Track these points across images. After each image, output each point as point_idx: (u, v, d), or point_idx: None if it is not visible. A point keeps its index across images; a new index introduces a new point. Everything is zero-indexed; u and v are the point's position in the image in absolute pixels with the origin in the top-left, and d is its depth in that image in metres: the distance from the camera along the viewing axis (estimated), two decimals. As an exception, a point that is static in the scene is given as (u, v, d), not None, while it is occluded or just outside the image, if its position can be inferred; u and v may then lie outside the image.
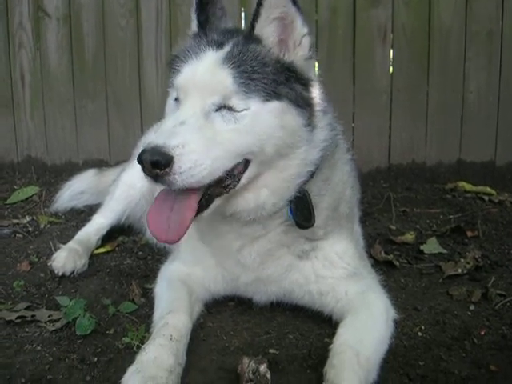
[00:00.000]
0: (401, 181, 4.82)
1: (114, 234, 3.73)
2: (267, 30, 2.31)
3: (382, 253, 3.36)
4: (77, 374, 2.32)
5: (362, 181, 3.18)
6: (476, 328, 2.65)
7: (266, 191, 2.35)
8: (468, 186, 4.62)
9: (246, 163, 2.28)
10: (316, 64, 4.77)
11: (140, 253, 3.55)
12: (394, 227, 3.88)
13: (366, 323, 2.41)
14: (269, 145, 2.25)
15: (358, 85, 4.90)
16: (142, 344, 2.35)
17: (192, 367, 2.32)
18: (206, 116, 2.20)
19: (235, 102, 2.19)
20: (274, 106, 2.24)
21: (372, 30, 4.86)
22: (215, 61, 2.25)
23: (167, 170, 2.05)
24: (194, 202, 2.19)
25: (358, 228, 2.98)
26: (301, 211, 2.41)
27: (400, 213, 4.16)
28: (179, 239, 2.19)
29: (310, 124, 2.34)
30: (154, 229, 2.19)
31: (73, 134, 5.20)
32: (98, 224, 3.64)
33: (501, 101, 4.84)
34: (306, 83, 2.35)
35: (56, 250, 3.38)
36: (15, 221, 4.09)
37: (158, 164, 2.04)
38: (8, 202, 4.53)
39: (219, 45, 2.31)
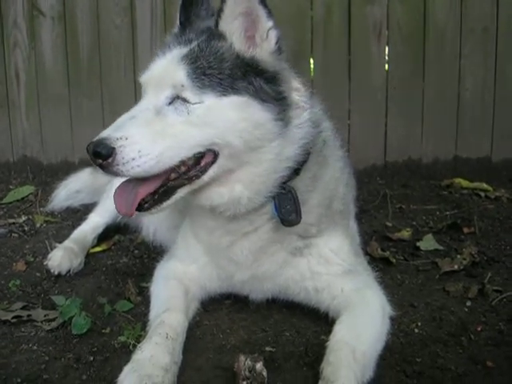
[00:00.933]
0: (397, 178, 4.81)
1: (109, 232, 3.72)
2: (232, 26, 2.30)
3: (379, 249, 3.36)
4: (73, 374, 2.32)
5: (358, 178, 3.17)
6: (472, 324, 2.65)
7: (239, 186, 2.35)
8: (464, 183, 4.61)
9: (215, 156, 2.29)
10: (311, 60, 4.82)
11: (136, 251, 3.55)
12: (390, 224, 3.87)
13: (363, 320, 2.41)
14: (233, 137, 2.25)
15: (354, 82, 4.89)
16: (138, 343, 2.34)
17: (188, 366, 2.32)
18: (159, 110, 2.25)
19: (189, 94, 2.22)
20: (231, 100, 2.23)
21: (367, 26, 4.86)
22: (173, 57, 2.29)
23: (109, 160, 2.12)
24: (151, 185, 2.26)
25: (353, 225, 2.98)
26: (285, 208, 2.39)
27: (396, 209, 4.15)
28: (131, 213, 2.25)
29: (282, 119, 2.31)
30: (115, 202, 2.28)
31: (68, 133, 5.19)
32: (94, 223, 3.64)
33: (496, 97, 4.84)
34: (272, 77, 2.32)
35: (52, 249, 3.38)
36: (11, 220, 4.08)
37: (99, 155, 2.12)
38: (4, 201, 4.53)
39: (187, 43, 2.35)
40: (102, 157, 2.12)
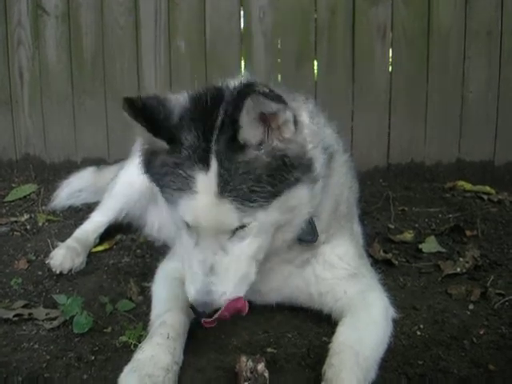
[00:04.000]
0: (400, 180, 4.79)
1: (112, 232, 3.71)
2: (250, 133, 2.07)
3: (381, 251, 3.35)
4: (74, 373, 2.32)
5: (361, 180, 3.16)
6: (475, 327, 2.64)
7: (279, 240, 2.38)
8: (467, 186, 4.60)
9: None
10: (315, 62, 4.82)
11: (138, 251, 3.54)
12: (392, 226, 3.86)
13: (365, 322, 2.40)
14: (278, 229, 2.30)
15: (358, 84, 4.88)
16: (139, 342, 2.34)
17: (190, 366, 2.31)
18: (223, 248, 2.20)
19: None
20: (275, 204, 2.16)
21: (371, 28, 4.84)
22: (213, 195, 2.09)
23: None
24: None
25: (357, 227, 2.97)
26: (302, 229, 2.41)
27: (399, 212, 4.14)
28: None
29: (312, 184, 2.27)
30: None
31: (71, 132, 5.18)
32: (97, 222, 3.63)
33: (500, 100, 4.82)
34: (302, 159, 2.21)
35: (54, 248, 3.37)
36: (13, 219, 4.08)
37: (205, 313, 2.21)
38: (6, 199, 4.52)
39: (203, 161, 2.08)
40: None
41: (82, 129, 5.17)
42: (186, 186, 2.11)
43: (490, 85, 4.82)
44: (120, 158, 4.08)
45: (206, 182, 2.08)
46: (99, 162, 4.71)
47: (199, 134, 2.10)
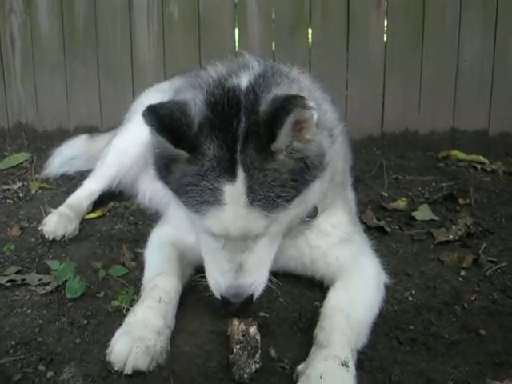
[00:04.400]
0: (394, 149, 4.77)
1: (105, 199, 3.70)
2: (284, 141, 2.07)
3: (374, 219, 3.35)
4: (67, 337, 2.33)
5: (355, 148, 3.15)
6: (466, 293, 2.65)
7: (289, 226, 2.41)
8: (461, 155, 4.59)
9: None
10: (309, 31, 4.78)
11: (131, 218, 3.53)
12: (385, 194, 3.86)
13: (357, 287, 2.41)
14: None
15: (352, 52, 4.84)
16: (132, 307, 2.35)
17: (182, 330, 2.32)
18: (249, 247, 2.22)
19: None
20: (294, 203, 2.17)
21: (366, -4, 4.80)
22: (242, 206, 2.07)
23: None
24: None
25: (350, 194, 2.97)
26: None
27: (392, 180, 4.14)
28: None
29: (323, 175, 2.29)
30: None
31: (64, 100, 5.14)
32: (89, 189, 3.62)
33: (495, 69, 4.80)
34: (320, 156, 2.22)
35: (46, 215, 3.37)
36: (5, 187, 4.06)
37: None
38: (-2, 168, 4.50)
39: (230, 172, 2.06)
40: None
41: (74, 97, 5.13)
42: (213, 199, 2.08)
43: (485, 54, 4.79)
44: (113, 126, 4.07)
45: (234, 193, 2.06)
46: (92, 130, 4.68)
47: (222, 143, 2.06)
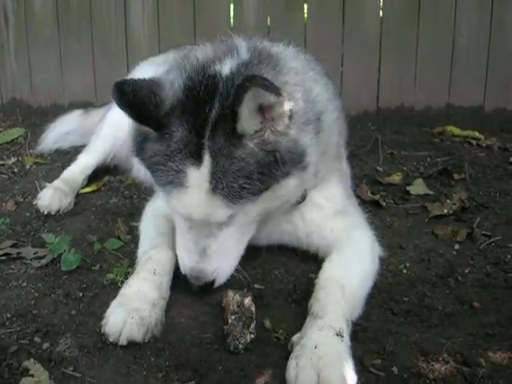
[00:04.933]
0: (389, 124, 4.76)
1: (100, 173, 3.70)
2: (248, 123, 2.05)
3: (369, 193, 3.36)
4: (62, 309, 2.34)
5: (350, 123, 3.14)
6: (460, 266, 2.67)
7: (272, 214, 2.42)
8: (456, 130, 4.58)
9: None
10: (305, 6, 4.75)
11: (126, 192, 3.53)
12: (381, 169, 3.87)
13: (352, 259, 2.42)
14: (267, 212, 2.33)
15: (348, 27, 4.80)
16: (127, 279, 2.36)
17: (177, 302, 2.35)
18: (212, 234, 2.26)
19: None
20: (263, 197, 2.16)
21: (362, -30, 4.77)
22: (204, 192, 2.09)
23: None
24: None
25: (345, 168, 2.95)
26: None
27: (387, 155, 4.14)
28: None
29: (302, 172, 2.25)
30: None
31: (58, 76, 5.11)
32: (84, 163, 3.61)
33: (491, 45, 4.77)
34: (293, 152, 2.18)
35: (41, 190, 3.36)
36: (0, 162, 4.05)
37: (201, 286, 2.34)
38: (-7, 143, 4.48)
39: (195, 156, 2.07)
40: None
41: (68, 72, 5.10)
42: (177, 180, 2.11)
43: (482, 29, 4.76)
44: (108, 101, 4.02)
45: (197, 178, 2.08)
46: (87, 106, 4.65)
47: (191, 127, 2.08)
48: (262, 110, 2.04)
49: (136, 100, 2.06)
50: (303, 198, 2.47)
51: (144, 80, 2.17)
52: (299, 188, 2.34)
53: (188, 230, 2.26)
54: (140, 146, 2.23)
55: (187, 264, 2.30)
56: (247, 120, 2.03)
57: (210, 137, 2.06)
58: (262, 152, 2.08)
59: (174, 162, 2.10)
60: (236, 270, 2.39)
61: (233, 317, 2.08)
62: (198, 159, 2.07)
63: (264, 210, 2.27)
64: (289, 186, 2.22)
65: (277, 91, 1.97)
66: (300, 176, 2.23)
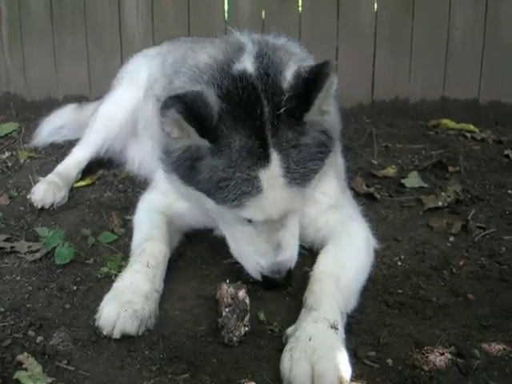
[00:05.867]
0: (384, 117, 4.75)
1: (94, 167, 3.69)
2: (315, 109, 2.11)
3: (364, 185, 3.35)
4: (56, 302, 2.34)
5: (345, 116, 3.13)
6: (455, 258, 2.67)
7: None
8: (451, 124, 4.57)
9: None
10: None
11: (120, 186, 3.52)
12: (375, 162, 3.85)
13: (347, 251, 2.41)
14: None
15: (342, 20, 4.78)
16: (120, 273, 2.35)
17: (171, 294, 2.34)
18: (284, 223, 2.26)
19: None
20: (318, 176, 2.24)
21: (356, -37, 4.76)
22: (281, 187, 2.11)
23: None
24: None
25: (340, 161, 2.95)
26: None
27: (382, 148, 4.13)
28: None
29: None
30: None
31: (52, 70, 5.08)
32: (78, 157, 3.60)
33: (486, 37, 4.76)
34: (334, 128, 2.31)
35: (35, 184, 3.35)
36: (-6, 156, 4.04)
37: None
38: (-13, 138, 4.46)
39: (263, 157, 2.06)
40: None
41: (62, 66, 5.07)
42: (250, 188, 2.08)
43: (477, 22, 4.75)
44: (102, 95, 4.02)
45: (271, 177, 2.08)
46: (81, 100, 4.63)
47: (248, 132, 2.06)
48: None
49: (198, 111, 2.02)
50: None
51: (189, 91, 2.12)
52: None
53: (258, 234, 2.25)
54: (191, 169, 2.16)
55: (265, 265, 2.28)
56: (317, 108, 2.10)
57: (272, 135, 2.07)
58: (317, 132, 2.15)
59: (242, 171, 2.07)
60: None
61: (227, 309, 2.07)
62: (266, 160, 2.07)
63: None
64: (328, 163, 2.29)
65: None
66: (330, 156, 2.30)
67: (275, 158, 2.07)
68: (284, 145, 2.07)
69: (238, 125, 2.07)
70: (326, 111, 2.19)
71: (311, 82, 2.01)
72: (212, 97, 2.08)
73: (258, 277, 2.32)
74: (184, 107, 1.99)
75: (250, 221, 2.22)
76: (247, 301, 2.12)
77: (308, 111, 2.07)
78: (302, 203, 2.27)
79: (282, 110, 2.05)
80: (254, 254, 2.29)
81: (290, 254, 2.30)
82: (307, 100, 2.04)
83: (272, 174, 2.08)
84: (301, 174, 2.11)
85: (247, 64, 2.19)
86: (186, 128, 2.05)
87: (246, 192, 2.08)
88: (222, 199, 2.13)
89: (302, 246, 2.51)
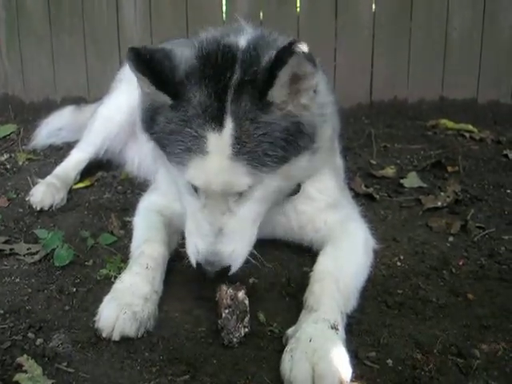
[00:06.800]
0: (382, 117, 4.76)
1: (92, 169, 3.68)
2: (280, 92, 2.03)
3: (363, 186, 3.36)
4: (55, 304, 2.34)
5: (343, 116, 3.13)
6: (454, 258, 2.67)
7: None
8: (449, 124, 4.58)
9: None
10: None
11: (119, 187, 3.52)
12: (374, 162, 3.86)
13: (346, 251, 2.41)
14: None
15: (341, 20, 4.80)
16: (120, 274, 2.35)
17: (170, 296, 2.33)
18: (229, 210, 2.18)
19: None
20: (281, 170, 2.14)
21: (355, -37, 4.76)
22: (226, 157, 2.03)
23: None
24: None
25: (339, 161, 2.95)
26: None
27: (381, 148, 4.14)
28: None
29: (312, 155, 2.25)
30: None
31: (50, 72, 5.09)
32: (77, 158, 3.60)
33: (484, 38, 4.78)
34: (312, 127, 2.18)
35: (34, 186, 3.34)
36: (-8, 158, 4.04)
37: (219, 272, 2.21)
38: (-15, 140, 4.45)
39: (217, 120, 2.02)
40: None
41: (61, 68, 5.08)
42: (195, 146, 2.05)
43: (475, 22, 4.77)
44: (100, 97, 4.02)
45: (219, 142, 2.02)
46: (79, 101, 4.64)
47: (211, 92, 2.04)
48: (295, 81, 2.02)
49: (153, 63, 2.01)
50: (297, 191, 2.46)
51: (154, 46, 2.15)
52: (306, 173, 2.35)
53: (202, 209, 2.18)
54: (151, 118, 2.17)
55: (201, 247, 2.19)
56: (280, 88, 2.01)
57: (232, 101, 2.02)
58: (287, 121, 2.07)
59: (193, 128, 2.04)
60: (250, 255, 2.30)
61: (226, 311, 2.07)
62: (219, 123, 2.02)
63: (278, 189, 2.23)
64: (301, 166, 2.20)
65: (314, 62, 1.97)
66: (311, 158, 2.23)
67: (228, 123, 2.01)
68: (241, 114, 2.02)
69: (202, 83, 2.05)
70: (306, 106, 2.11)
71: (276, 59, 1.96)
72: (184, 56, 2.10)
73: (194, 262, 2.24)
74: (135, 55, 1.99)
75: (196, 190, 2.17)
76: (246, 302, 2.12)
77: (271, 86, 1.99)
78: (250, 188, 2.13)
79: (246, 78, 2.02)
80: (195, 232, 2.23)
81: (231, 249, 2.19)
82: (271, 74, 1.98)
83: (220, 139, 2.02)
84: (251, 151, 2.02)
85: (241, 40, 2.20)
86: (142, 79, 2.07)
87: (191, 150, 2.05)
88: (171, 153, 2.13)
89: (300, 247, 2.53)
